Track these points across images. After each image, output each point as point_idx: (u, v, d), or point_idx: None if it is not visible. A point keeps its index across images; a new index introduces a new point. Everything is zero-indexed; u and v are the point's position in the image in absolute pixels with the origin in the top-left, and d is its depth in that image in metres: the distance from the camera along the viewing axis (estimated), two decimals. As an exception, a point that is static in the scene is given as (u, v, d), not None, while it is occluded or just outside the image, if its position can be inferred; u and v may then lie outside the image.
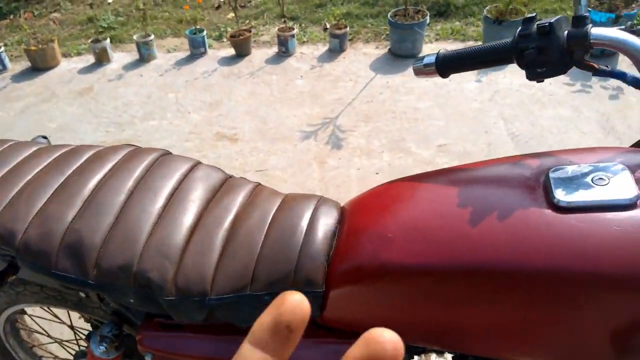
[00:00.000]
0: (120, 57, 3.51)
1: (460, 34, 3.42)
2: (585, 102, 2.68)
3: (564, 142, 2.45)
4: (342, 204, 0.85)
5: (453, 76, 3.03)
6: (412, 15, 3.19)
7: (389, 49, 3.31)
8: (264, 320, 0.23)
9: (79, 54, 3.61)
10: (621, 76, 0.68)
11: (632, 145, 0.76)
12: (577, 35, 0.68)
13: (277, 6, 4.01)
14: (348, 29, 3.35)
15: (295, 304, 0.23)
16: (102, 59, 3.43)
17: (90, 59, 3.51)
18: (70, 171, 0.88)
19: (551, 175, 0.65)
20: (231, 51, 3.44)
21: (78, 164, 0.90)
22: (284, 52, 3.35)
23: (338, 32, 3.29)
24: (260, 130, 2.69)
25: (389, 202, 0.74)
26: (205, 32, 3.40)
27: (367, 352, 0.22)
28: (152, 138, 2.70)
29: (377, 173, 2.34)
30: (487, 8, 3.17)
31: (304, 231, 0.76)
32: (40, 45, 3.37)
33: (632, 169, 0.63)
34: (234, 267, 0.74)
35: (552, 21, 0.69)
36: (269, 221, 0.78)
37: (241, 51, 3.39)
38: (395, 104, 2.81)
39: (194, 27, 3.44)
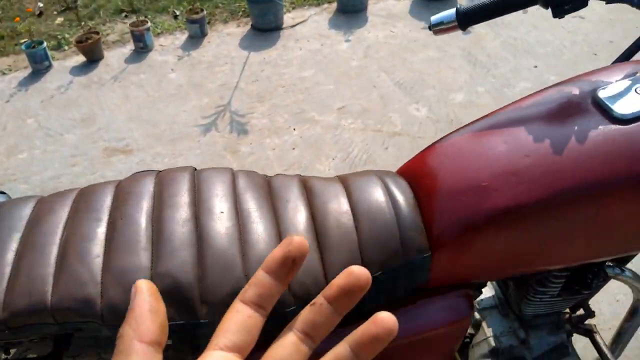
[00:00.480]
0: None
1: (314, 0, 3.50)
2: (446, 42, 2.96)
3: (442, 80, 2.69)
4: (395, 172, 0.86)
5: (323, 40, 3.11)
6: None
7: (252, 25, 3.27)
8: (276, 254, 0.31)
9: None
10: (629, 1, 0.79)
11: (615, 61, 0.89)
12: None
13: (108, 2, 3.68)
14: (205, 12, 3.21)
15: (300, 243, 0.31)
16: None
17: None
18: (99, 213, 0.76)
19: (600, 95, 0.75)
20: (80, 59, 3.09)
21: (100, 204, 0.77)
22: (142, 48, 3.11)
23: (196, 16, 3.14)
24: (154, 135, 2.50)
25: (460, 156, 0.77)
26: (45, 44, 2.99)
27: (346, 282, 0.31)
28: (30, 172, 2.35)
29: (293, 148, 2.35)
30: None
31: (391, 205, 0.76)
32: None
33: None
34: (340, 259, 0.72)
35: None
36: (348, 207, 0.77)
37: (92, 56, 3.06)
38: (281, 77, 2.81)
39: (29, 41, 2.99)
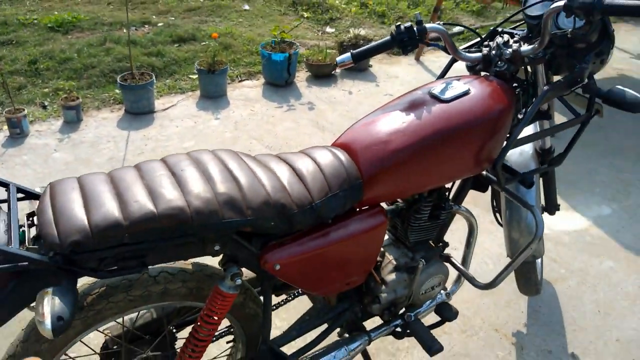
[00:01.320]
0: None
1: (177, 88, 4.03)
2: (298, 115, 3.72)
3: (301, 142, 3.40)
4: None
5: (195, 119, 3.63)
6: (138, 77, 3.63)
7: (125, 110, 3.64)
8: None
9: None
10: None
11: (437, 78, 1.63)
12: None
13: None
14: (80, 100, 3.51)
15: None
16: None
17: None
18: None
19: (433, 91, 1.44)
20: (-51, 146, 3.10)
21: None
22: (18, 133, 3.25)
23: (72, 103, 3.42)
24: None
25: (368, 128, 1.36)
26: None
27: None
28: None
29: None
30: (197, 62, 3.90)
31: (335, 155, 1.33)
32: None
33: (459, 78, 1.48)
34: (315, 183, 1.25)
35: (405, 24, 1.48)
36: (318, 158, 1.32)
37: (-35, 143, 3.11)
38: (165, 148, 3.22)
39: None
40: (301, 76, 4.35)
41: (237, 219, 1.13)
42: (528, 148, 1.82)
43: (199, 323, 1.26)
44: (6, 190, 1.14)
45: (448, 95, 1.42)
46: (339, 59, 1.55)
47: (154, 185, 1.13)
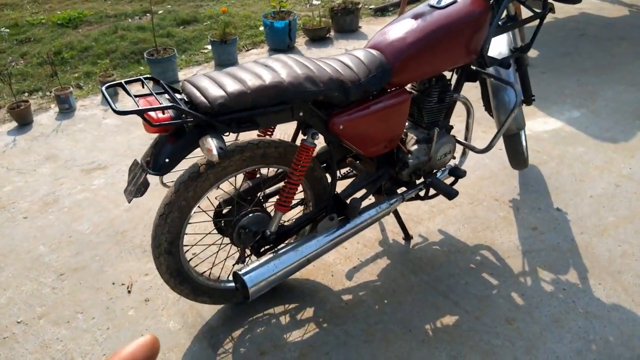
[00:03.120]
0: None
1: (193, 61, 4.51)
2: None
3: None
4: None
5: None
6: (162, 52, 4.10)
7: (154, 82, 4.12)
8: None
9: None
10: None
11: None
12: None
13: (9, 86, 4.16)
14: (115, 76, 3.98)
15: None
16: None
17: None
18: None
19: (430, 2, 1.98)
20: (10, 125, 3.56)
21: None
22: (67, 109, 3.72)
23: (109, 79, 3.90)
24: (118, 154, 3.17)
25: (392, 31, 1.91)
26: (-19, 112, 3.43)
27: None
28: (24, 195, 2.82)
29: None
30: (210, 35, 4.38)
31: (369, 51, 1.86)
32: None
33: None
34: (359, 68, 1.79)
35: None
36: (357, 54, 1.86)
37: (24, 120, 3.56)
38: (198, 108, 3.71)
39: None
40: (300, 41, 4.85)
41: (314, 89, 1.66)
42: (504, 48, 2.36)
43: (290, 172, 1.79)
44: (159, 84, 1.65)
45: (442, 4, 1.96)
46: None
47: (258, 72, 1.66)
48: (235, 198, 1.90)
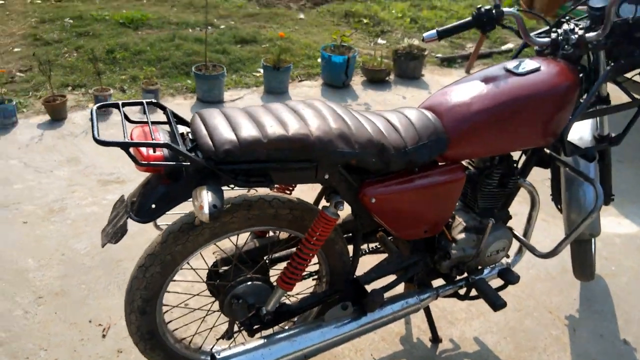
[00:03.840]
0: None
1: (243, 83, 4.32)
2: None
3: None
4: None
5: None
6: (211, 68, 3.93)
7: (197, 98, 3.95)
8: None
9: None
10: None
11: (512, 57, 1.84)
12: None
13: (48, 79, 4.07)
14: (159, 85, 3.83)
15: None
16: None
17: None
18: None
19: (507, 66, 1.65)
20: (43, 118, 3.44)
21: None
22: (103, 111, 3.57)
23: (152, 87, 3.74)
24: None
25: (451, 95, 1.59)
26: (15, 102, 3.32)
27: None
28: (33, 197, 2.63)
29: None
30: (263, 59, 4.19)
31: (424, 114, 1.55)
32: None
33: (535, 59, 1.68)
34: (407, 133, 1.48)
35: (485, 7, 1.70)
36: (409, 114, 1.55)
37: (58, 115, 3.43)
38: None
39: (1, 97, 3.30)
40: (357, 80, 4.60)
41: (347, 150, 1.36)
42: (587, 134, 2.00)
43: (302, 243, 1.48)
44: (164, 112, 1.39)
45: (521, 69, 1.63)
46: (425, 34, 1.78)
47: (283, 118, 1.38)
48: (233, 259, 1.60)
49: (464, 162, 1.81)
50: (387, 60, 4.81)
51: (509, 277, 1.82)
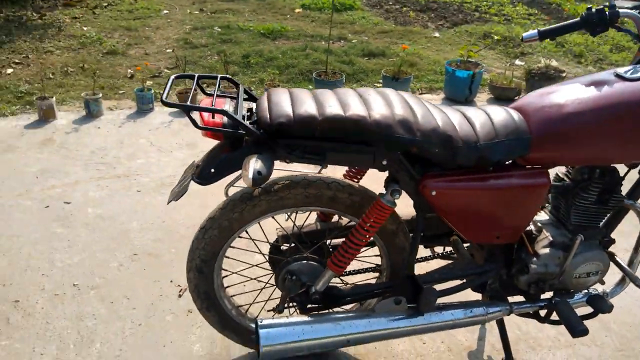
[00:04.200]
0: (64, 115, 3.60)
1: (361, 91, 4.38)
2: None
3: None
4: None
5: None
6: (331, 75, 4.05)
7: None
8: None
9: (13, 113, 3.57)
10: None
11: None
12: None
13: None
14: (280, 85, 4.04)
15: None
16: (48, 116, 3.48)
17: (29, 117, 3.52)
18: None
19: (618, 71, 1.45)
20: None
21: None
22: (227, 106, 3.86)
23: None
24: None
25: (541, 97, 1.45)
26: (153, 90, 3.74)
27: None
28: (150, 171, 2.93)
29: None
30: (383, 70, 4.21)
31: (509, 112, 1.43)
32: (-20, 102, 3.30)
33: None
34: (482, 128, 1.37)
35: (597, 7, 1.53)
36: (490, 110, 1.44)
37: (188, 106, 3.79)
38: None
39: (142, 86, 3.75)
40: (482, 97, 4.40)
41: (406, 136, 1.30)
42: None
43: (356, 228, 1.45)
44: (236, 88, 1.47)
45: (634, 75, 1.42)
46: (525, 34, 1.64)
47: (345, 100, 1.37)
48: (291, 237, 1.61)
49: (560, 173, 1.63)
50: (519, 80, 4.53)
51: (600, 305, 1.58)
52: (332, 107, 1.33)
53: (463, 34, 6.44)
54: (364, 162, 1.37)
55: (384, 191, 1.43)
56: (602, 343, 1.91)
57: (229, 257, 1.64)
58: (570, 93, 1.42)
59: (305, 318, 1.48)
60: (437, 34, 6.41)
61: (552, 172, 1.67)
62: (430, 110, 1.41)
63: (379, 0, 7.96)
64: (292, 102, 1.36)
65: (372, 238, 1.55)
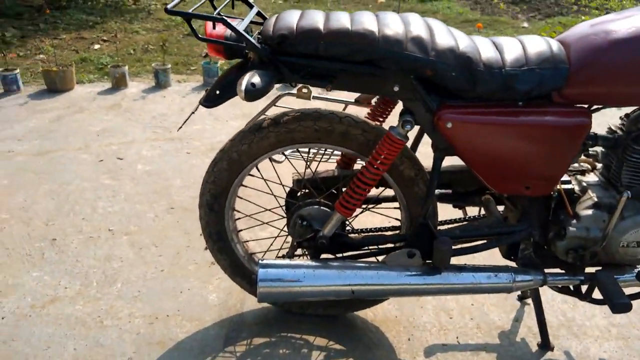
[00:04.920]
0: (135, 84, 3.77)
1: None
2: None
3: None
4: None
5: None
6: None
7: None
8: None
9: (90, 81, 3.80)
10: None
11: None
12: None
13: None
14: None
15: None
16: (120, 84, 3.67)
17: (104, 85, 3.73)
18: None
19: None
20: (241, 82, 3.87)
21: None
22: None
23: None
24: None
25: (584, 30, 1.25)
26: (219, 63, 3.82)
27: None
28: (203, 137, 2.98)
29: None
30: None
31: (548, 42, 1.25)
32: (61, 68, 3.54)
33: None
34: (511, 53, 1.21)
35: None
36: (526, 39, 1.27)
37: (252, 81, 3.82)
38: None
39: (209, 59, 3.84)
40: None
41: (418, 55, 1.17)
42: None
43: (364, 165, 1.33)
44: (250, 8, 1.41)
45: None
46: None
47: (357, 18, 1.26)
48: (305, 181, 1.53)
49: (612, 125, 1.40)
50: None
51: (655, 280, 1.34)
52: (340, 22, 1.23)
53: (556, 25, 5.99)
54: (373, 86, 1.26)
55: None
56: (664, 336, 1.63)
57: (242, 198, 1.59)
58: (624, 21, 1.21)
59: (308, 263, 1.39)
60: (525, 25, 6.02)
61: (605, 123, 1.45)
62: (453, 33, 1.27)
63: (469, -8, 7.65)
64: (300, 18, 1.28)
65: (391, 190, 1.43)
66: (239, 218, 1.65)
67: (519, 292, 1.76)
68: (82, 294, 1.79)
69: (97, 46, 4.69)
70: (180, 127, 1.61)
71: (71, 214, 2.22)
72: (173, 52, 4.52)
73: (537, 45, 1.24)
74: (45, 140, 2.87)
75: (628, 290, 1.38)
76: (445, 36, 1.22)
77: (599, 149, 1.45)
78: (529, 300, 1.74)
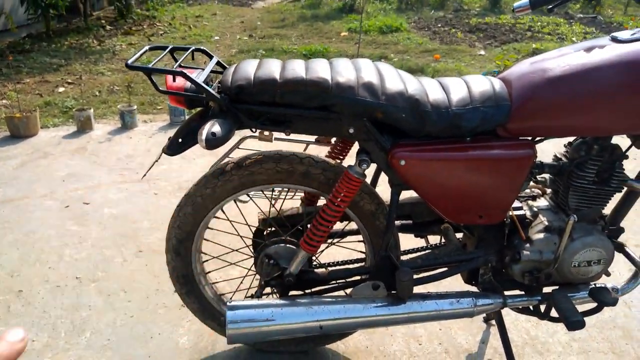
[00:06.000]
0: (101, 127, 3.77)
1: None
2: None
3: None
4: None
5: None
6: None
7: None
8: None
9: (55, 125, 3.78)
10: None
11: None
12: None
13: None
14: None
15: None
16: (85, 127, 3.66)
17: (69, 129, 3.71)
18: None
19: (615, 35, 1.32)
20: (207, 120, 3.90)
21: None
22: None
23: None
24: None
25: (523, 69, 1.34)
26: (186, 103, 3.86)
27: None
28: (170, 176, 2.99)
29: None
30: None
31: (489, 82, 1.33)
32: (24, 113, 3.52)
33: None
34: (456, 94, 1.28)
35: None
36: (468, 78, 1.35)
37: (218, 118, 3.87)
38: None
39: (175, 99, 3.88)
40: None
41: (369, 99, 1.24)
42: None
43: (326, 203, 1.38)
44: (209, 58, 1.46)
45: (630, 36, 1.29)
46: (516, 4, 1.54)
47: (311, 66, 1.32)
48: (268, 219, 1.56)
49: (557, 153, 1.49)
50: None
51: (603, 297, 1.41)
52: (295, 71, 1.29)
53: (510, 51, 6.25)
54: (329, 129, 1.31)
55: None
56: (621, 352, 1.70)
57: (208, 240, 1.61)
58: (560, 59, 1.31)
59: (276, 301, 1.41)
60: (482, 52, 6.26)
61: (550, 152, 1.54)
62: (402, 76, 1.34)
63: (427, 23, 7.93)
64: (257, 68, 1.34)
65: (356, 226, 1.48)
66: (206, 260, 1.67)
67: (483, 315, 1.81)
68: (50, 345, 1.76)
69: (61, 89, 4.67)
70: (144, 174, 1.63)
71: (37, 264, 2.19)
72: (139, 92, 4.55)
73: (481, 84, 1.33)
74: (8, 187, 2.83)
75: (584, 307, 1.45)
76: (395, 80, 1.30)
77: (547, 175, 1.53)
78: (495, 322, 1.79)
